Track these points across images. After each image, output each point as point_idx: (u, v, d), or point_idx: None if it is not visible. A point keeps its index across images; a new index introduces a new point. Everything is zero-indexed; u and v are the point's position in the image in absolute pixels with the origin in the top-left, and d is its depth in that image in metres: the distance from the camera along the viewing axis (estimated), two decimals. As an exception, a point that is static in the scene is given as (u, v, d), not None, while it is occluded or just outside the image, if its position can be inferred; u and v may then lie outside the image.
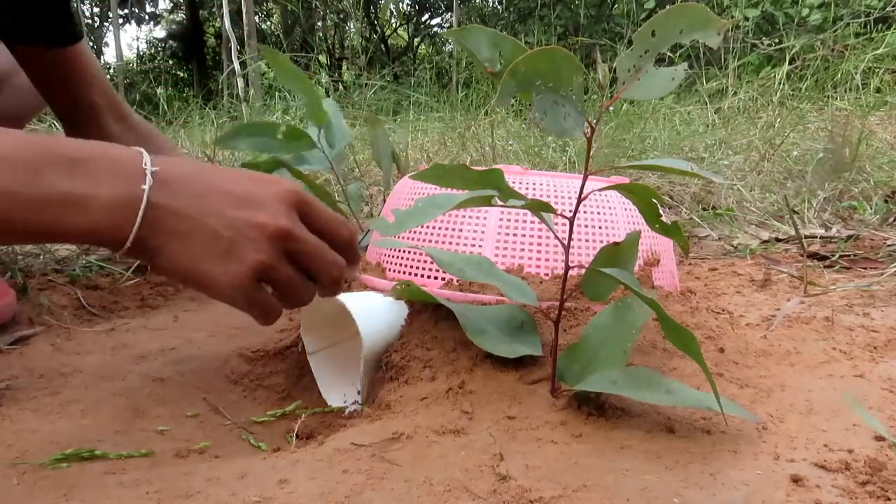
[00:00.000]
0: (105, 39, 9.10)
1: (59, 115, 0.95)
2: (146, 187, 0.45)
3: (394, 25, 8.50)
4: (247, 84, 3.65)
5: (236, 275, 0.47)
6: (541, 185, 0.71)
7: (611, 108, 2.46)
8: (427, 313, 0.65)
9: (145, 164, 0.46)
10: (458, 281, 0.68)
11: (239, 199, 0.48)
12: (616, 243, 0.58)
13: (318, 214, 0.52)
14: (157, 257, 0.47)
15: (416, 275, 0.71)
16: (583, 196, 0.54)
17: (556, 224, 0.68)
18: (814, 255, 1.18)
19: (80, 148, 0.45)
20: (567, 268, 0.56)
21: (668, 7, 0.49)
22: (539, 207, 0.53)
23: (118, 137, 0.95)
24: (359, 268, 0.56)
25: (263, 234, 0.47)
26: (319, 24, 7.78)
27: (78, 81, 0.90)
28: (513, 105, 2.61)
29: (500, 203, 0.51)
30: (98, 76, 0.93)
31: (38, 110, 1.04)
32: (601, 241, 0.69)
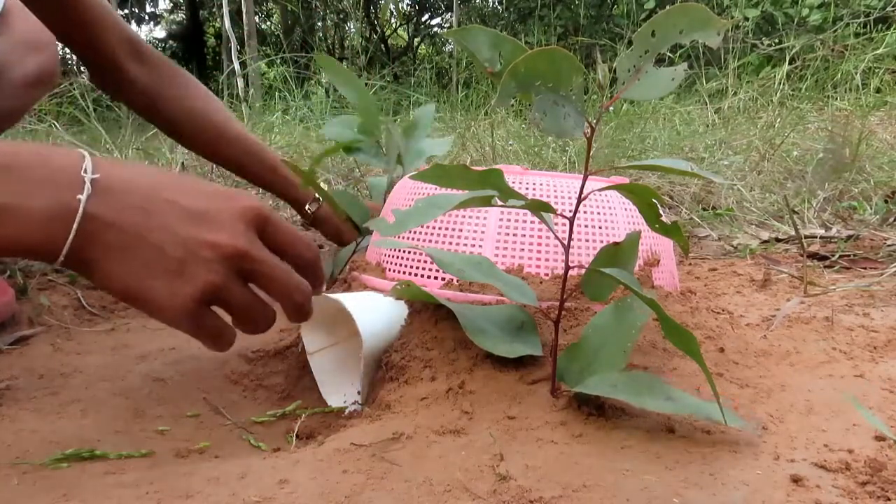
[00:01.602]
0: (105, 39, 9.08)
1: (84, 63, 0.92)
2: (83, 197, 0.42)
3: (394, 25, 8.49)
4: (247, 84, 3.65)
5: (183, 297, 0.43)
6: (541, 185, 0.71)
7: (611, 108, 2.46)
8: (427, 313, 0.65)
9: (84, 172, 0.42)
10: (458, 281, 0.68)
11: (191, 215, 0.44)
12: (616, 243, 0.58)
13: (280, 233, 0.48)
14: (93, 272, 0.43)
15: (416, 275, 0.71)
16: (583, 196, 0.54)
17: (556, 224, 0.68)
18: (814, 255, 1.18)
19: (14, 154, 0.42)
20: (567, 268, 0.56)
21: (668, 7, 0.49)
22: (539, 207, 0.53)
23: (138, 80, 0.93)
24: (323, 289, 0.54)
25: (216, 254, 0.44)
26: (319, 24, 7.79)
27: (79, 13, 0.85)
28: (513, 105, 2.61)
29: (500, 203, 0.51)
30: (104, 13, 0.89)
31: (25, 110, 1.03)
32: (601, 241, 0.69)
